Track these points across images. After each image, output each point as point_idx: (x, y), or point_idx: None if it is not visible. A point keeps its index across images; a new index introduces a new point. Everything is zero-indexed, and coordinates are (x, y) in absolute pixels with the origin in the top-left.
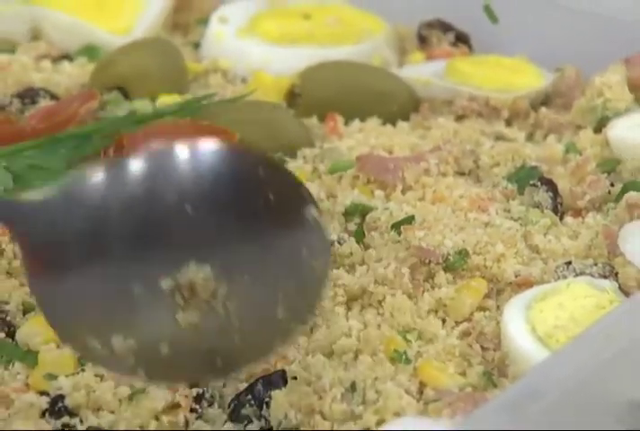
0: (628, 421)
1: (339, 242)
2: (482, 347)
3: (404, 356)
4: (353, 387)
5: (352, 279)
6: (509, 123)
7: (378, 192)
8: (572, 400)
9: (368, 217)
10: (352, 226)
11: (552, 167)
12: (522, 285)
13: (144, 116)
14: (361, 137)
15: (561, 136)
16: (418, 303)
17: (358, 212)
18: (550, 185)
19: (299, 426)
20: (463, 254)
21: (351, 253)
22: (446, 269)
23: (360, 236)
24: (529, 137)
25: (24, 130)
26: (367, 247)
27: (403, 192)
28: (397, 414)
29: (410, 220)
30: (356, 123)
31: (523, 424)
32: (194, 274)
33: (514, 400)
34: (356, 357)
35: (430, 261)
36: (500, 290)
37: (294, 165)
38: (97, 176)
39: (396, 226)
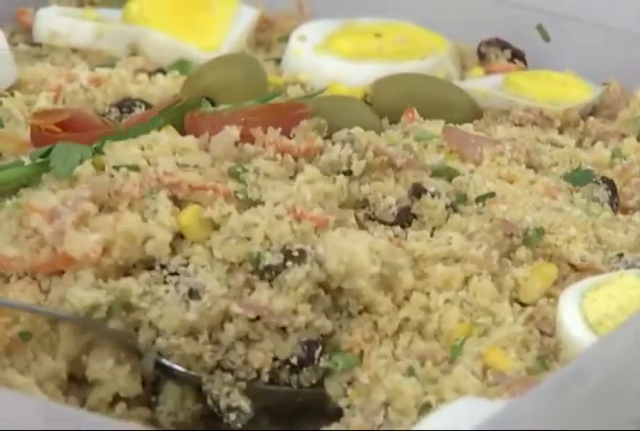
0: None
1: (432, 195)
2: (540, 332)
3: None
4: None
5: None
6: (560, 131)
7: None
8: (615, 383)
9: (454, 181)
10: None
11: (601, 170)
12: (586, 270)
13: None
14: (439, 127)
15: (607, 143)
16: (498, 285)
17: (446, 174)
18: (610, 184)
19: None
20: (540, 231)
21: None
22: (525, 244)
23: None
24: (579, 144)
25: (119, 132)
26: (455, 210)
27: (481, 170)
28: (459, 393)
29: (493, 195)
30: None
31: (568, 405)
32: None
33: (560, 383)
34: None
35: (512, 234)
36: (564, 276)
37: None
38: None
39: (482, 199)
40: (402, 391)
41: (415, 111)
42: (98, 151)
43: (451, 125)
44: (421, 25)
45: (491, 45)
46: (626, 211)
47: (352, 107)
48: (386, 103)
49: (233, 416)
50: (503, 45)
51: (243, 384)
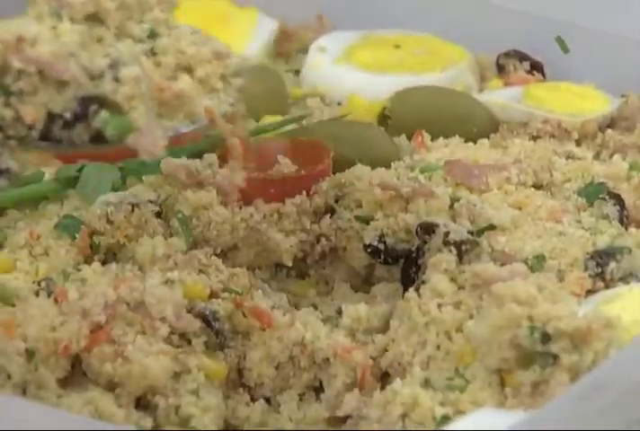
0: None
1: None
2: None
3: None
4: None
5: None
6: (578, 143)
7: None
8: (635, 394)
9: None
10: None
11: (617, 183)
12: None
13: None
14: (447, 151)
15: (625, 156)
16: None
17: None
18: (618, 199)
19: None
20: (540, 258)
21: None
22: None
23: None
24: (597, 156)
25: None
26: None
27: (487, 197)
28: (476, 405)
29: (493, 228)
30: (441, 140)
31: (588, 416)
32: None
33: (580, 394)
34: None
35: None
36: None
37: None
38: None
39: (481, 232)
40: (419, 403)
41: (425, 135)
42: (124, 171)
43: (457, 157)
44: (440, 37)
45: (509, 57)
46: None
47: (370, 134)
48: (405, 117)
49: (2, 180)
50: (522, 57)
51: (13, 143)
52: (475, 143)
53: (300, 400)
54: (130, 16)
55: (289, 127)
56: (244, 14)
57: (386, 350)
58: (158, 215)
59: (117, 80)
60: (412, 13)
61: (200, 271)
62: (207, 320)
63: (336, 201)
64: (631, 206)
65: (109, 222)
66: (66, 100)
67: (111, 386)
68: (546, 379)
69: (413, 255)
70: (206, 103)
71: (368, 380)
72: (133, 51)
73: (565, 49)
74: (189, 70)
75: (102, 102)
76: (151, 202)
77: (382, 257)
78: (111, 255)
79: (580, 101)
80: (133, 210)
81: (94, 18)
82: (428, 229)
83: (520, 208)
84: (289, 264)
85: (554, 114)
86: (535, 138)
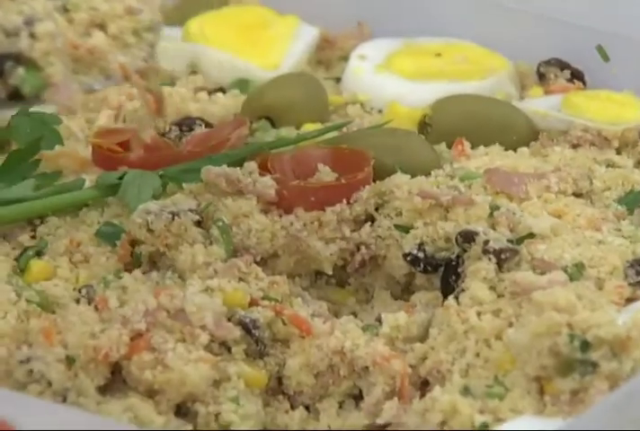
0: None
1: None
2: None
3: None
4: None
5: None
6: (618, 152)
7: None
8: None
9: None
10: None
11: None
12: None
13: (288, 139)
14: (487, 159)
15: None
16: None
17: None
18: None
19: None
20: (580, 266)
21: None
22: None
23: None
24: (637, 165)
25: (181, 154)
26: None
27: (526, 205)
28: (515, 413)
29: (532, 236)
30: (481, 148)
31: (627, 424)
32: None
33: (620, 401)
34: None
35: None
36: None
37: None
38: None
39: (520, 241)
40: (458, 411)
41: (465, 143)
42: (164, 178)
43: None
44: (481, 45)
45: (550, 65)
46: None
47: (411, 142)
48: (446, 124)
49: None
50: (563, 65)
51: None
52: (515, 151)
53: (340, 407)
54: None
55: (330, 134)
56: (284, 22)
57: (426, 358)
58: (198, 223)
59: (32, 36)
60: (453, 21)
61: (240, 279)
62: (247, 327)
63: (376, 209)
64: None
65: (149, 231)
66: None
67: (150, 393)
68: (585, 387)
69: (453, 263)
70: (119, 59)
71: (406, 388)
72: (46, 8)
73: (606, 58)
74: (102, 26)
75: (18, 59)
76: (191, 211)
77: (422, 265)
78: (151, 263)
79: (620, 110)
80: (173, 219)
81: None
82: (467, 237)
83: (559, 217)
84: (329, 272)
85: (594, 122)
86: (575, 147)
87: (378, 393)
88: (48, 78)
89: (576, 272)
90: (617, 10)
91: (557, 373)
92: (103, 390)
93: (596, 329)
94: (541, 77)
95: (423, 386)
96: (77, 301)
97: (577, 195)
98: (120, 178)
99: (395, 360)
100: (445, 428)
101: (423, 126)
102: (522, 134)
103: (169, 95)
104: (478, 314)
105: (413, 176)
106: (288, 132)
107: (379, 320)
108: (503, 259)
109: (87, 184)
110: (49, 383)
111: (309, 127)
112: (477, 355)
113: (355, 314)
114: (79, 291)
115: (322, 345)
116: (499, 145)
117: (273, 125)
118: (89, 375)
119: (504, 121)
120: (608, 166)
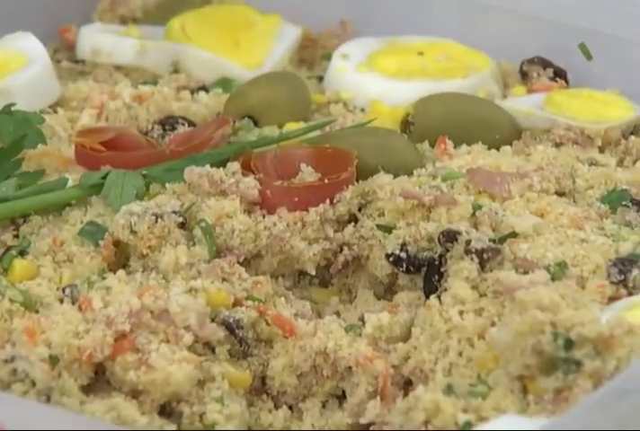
0: None
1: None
2: None
3: None
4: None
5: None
6: (601, 150)
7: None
8: None
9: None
10: None
11: None
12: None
13: (270, 138)
14: (470, 158)
15: None
16: None
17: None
18: None
19: None
20: (562, 265)
21: None
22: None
23: None
24: (620, 163)
25: (164, 153)
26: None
27: (509, 204)
28: (498, 411)
29: (515, 235)
30: (464, 147)
31: (609, 423)
32: None
33: (603, 400)
34: None
35: None
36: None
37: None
38: None
39: (503, 240)
40: (441, 410)
41: (448, 142)
42: (147, 178)
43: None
44: (464, 43)
45: (533, 63)
46: None
47: (393, 141)
48: (428, 123)
49: None
50: (545, 64)
51: None
52: (498, 150)
53: (323, 407)
54: None
55: (313, 133)
56: (266, 21)
57: (409, 357)
58: (182, 225)
59: None
60: (435, 20)
61: (224, 279)
62: (230, 328)
63: (359, 209)
64: None
65: (132, 232)
66: None
67: (134, 394)
68: (568, 385)
69: (436, 263)
70: None
71: (389, 388)
72: None
73: (589, 56)
74: None
75: None
76: (175, 213)
77: (404, 266)
78: (134, 264)
79: (603, 108)
80: (157, 221)
81: None
82: (450, 237)
83: (542, 216)
84: (312, 272)
85: (577, 121)
86: (558, 145)
87: (362, 393)
88: None
89: (559, 271)
90: (600, 8)
91: (541, 372)
92: (87, 390)
93: (579, 328)
94: (524, 76)
95: (407, 386)
96: (61, 300)
97: (560, 194)
98: (104, 177)
99: (377, 360)
100: (428, 427)
101: (406, 124)
102: (505, 132)
103: (151, 94)
104: (461, 313)
105: (395, 175)
106: (270, 131)
107: (362, 319)
108: (486, 258)
109: (70, 183)
110: (33, 383)
111: (292, 126)
112: (460, 354)
113: (338, 314)
114: (63, 291)
115: (305, 345)
116: (482, 143)
117: (256, 124)
118: (73, 375)
119: (487, 120)
120: (590, 165)
